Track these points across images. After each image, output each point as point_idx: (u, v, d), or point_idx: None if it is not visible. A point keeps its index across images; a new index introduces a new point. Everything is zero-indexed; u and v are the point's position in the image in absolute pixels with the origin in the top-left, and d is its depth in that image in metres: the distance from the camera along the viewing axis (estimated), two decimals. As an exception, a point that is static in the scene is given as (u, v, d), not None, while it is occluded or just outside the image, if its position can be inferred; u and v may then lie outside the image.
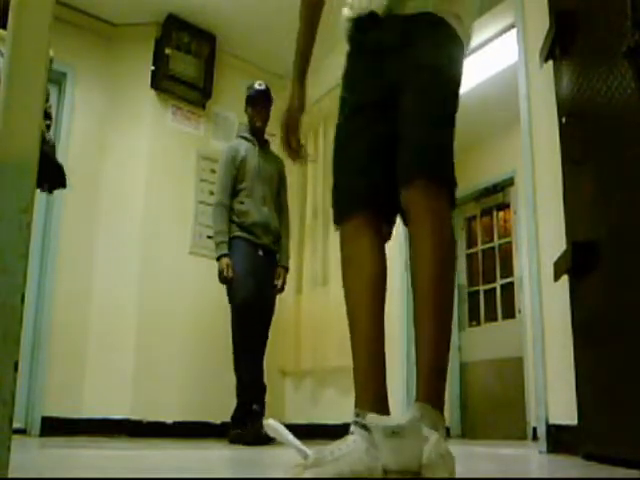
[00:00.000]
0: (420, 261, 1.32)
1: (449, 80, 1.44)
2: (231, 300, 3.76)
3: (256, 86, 4.10)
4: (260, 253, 3.85)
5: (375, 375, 1.35)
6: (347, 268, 1.44)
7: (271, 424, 1.14)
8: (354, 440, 1.18)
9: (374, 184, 1.43)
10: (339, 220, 1.48)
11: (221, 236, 3.78)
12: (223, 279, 3.74)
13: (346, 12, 1.59)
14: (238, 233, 3.82)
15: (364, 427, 1.20)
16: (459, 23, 1.48)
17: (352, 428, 1.23)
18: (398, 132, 1.40)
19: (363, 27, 1.54)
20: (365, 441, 1.18)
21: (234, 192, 3.88)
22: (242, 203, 3.86)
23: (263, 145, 4.10)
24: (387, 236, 1.50)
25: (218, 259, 3.76)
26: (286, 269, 4.02)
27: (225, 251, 3.75)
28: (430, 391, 1.22)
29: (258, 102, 4.05)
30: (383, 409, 1.30)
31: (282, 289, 4.00)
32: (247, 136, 4.09)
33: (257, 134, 4.08)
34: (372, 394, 1.32)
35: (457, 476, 1.15)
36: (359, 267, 1.42)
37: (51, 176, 2.36)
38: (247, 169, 3.93)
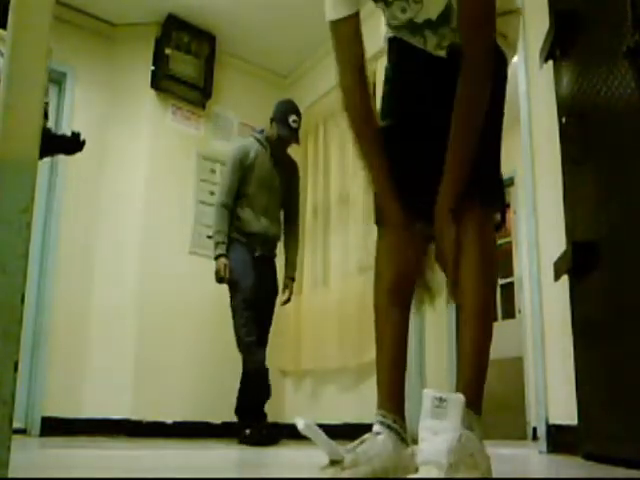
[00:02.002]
0: (467, 284, 1.31)
1: (498, 102, 1.42)
2: (232, 300, 3.77)
3: (291, 122, 3.87)
4: (257, 254, 3.84)
5: (398, 379, 1.40)
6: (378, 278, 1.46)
7: (306, 423, 1.16)
8: (383, 440, 1.26)
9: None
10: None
11: (220, 236, 3.77)
12: (219, 279, 3.75)
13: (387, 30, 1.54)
14: (237, 237, 3.82)
15: (389, 427, 1.29)
16: (503, 41, 1.44)
17: (378, 428, 1.30)
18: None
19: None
20: (392, 441, 1.26)
21: (237, 194, 3.84)
22: (242, 210, 3.83)
23: (277, 152, 3.96)
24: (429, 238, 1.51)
25: (216, 258, 3.75)
26: (293, 279, 4.02)
27: (223, 251, 3.75)
28: (471, 395, 1.22)
29: (286, 140, 3.92)
30: (402, 412, 1.36)
31: (289, 300, 4.02)
32: (260, 138, 3.95)
33: (272, 141, 3.95)
34: (395, 397, 1.38)
35: (457, 476, 1.15)
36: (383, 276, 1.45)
37: (60, 146, 2.39)
38: (254, 175, 3.85)
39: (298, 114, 3.95)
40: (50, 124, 2.53)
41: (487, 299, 1.32)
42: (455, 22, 1.37)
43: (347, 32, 1.41)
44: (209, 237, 4.73)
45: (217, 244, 3.77)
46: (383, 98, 1.56)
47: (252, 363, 3.65)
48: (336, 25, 1.40)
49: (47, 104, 2.64)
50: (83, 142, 2.46)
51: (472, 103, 1.31)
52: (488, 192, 1.36)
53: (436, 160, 1.34)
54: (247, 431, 3.54)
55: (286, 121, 3.87)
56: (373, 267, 1.48)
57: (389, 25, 1.50)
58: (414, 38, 1.46)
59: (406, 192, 1.42)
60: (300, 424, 1.15)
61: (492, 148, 1.40)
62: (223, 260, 3.73)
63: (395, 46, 1.54)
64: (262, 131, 4.00)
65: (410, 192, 1.41)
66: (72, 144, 2.43)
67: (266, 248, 3.90)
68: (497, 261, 1.41)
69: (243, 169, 3.84)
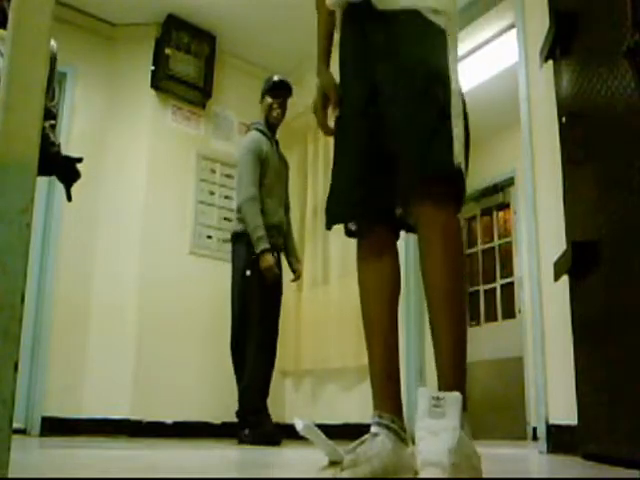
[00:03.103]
0: (432, 277, 1.33)
1: (431, 76, 1.36)
2: (253, 300, 3.67)
3: (275, 78, 3.97)
4: (275, 254, 3.78)
5: (393, 379, 1.41)
6: (364, 290, 1.51)
7: (306, 424, 1.16)
8: (382, 440, 1.26)
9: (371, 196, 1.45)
10: (330, 226, 1.52)
11: (260, 230, 3.61)
12: (271, 276, 3.60)
13: None
14: None
15: (388, 427, 1.30)
16: (437, 15, 1.42)
17: (375, 429, 1.30)
18: (391, 146, 1.39)
19: (353, 17, 1.52)
20: (391, 441, 1.27)
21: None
22: (264, 201, 3.76)
23: (276, 142, 4.02)
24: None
25: (261, 253, 3.58)
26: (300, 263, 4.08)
27: (268, 246, 3.59)
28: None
29: (279, 90, 3.93)
30: (399, 412, 1.37)
31: (298, 277, 4.10)
32: (265, 131, 3.94)
33: (273, 130, 3.97)
34: (391, 397, 1.39)
35: (456, 476, 1.15)
36: (375, 288, 1.48)
37: (66, 173, 2.37)
38: (270, 166, 3.85)
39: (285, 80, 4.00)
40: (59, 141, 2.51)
41: (455, 291, 1.33)
42: None
43: None
44: (209, 237, 4.74)
45: (259, 239, 3.60)
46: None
47: (269, 363, 3.66)
48: None
49: (55, 105, 2.61)
50: (78, 174, 2.41)
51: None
52: (441, 190, 1.34)
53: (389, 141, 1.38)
54: (246, 431, 3.54)
55: (271, 79, 3.96)
56: None
57: None
58: None
59: (374, 185, 1.44)
60: (299, 425, 1.15)
61: (443, 134, 1.33)
62: (271, 257, 3.59)
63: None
64: (259, 122, 4.00)
65: (376, 183, 1.43)
66: (70, 170, 2.38)
67: (281, 240, 3.88)
68: (464, 254, 1.42)
69: (261, 160, 3.81)
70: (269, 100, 3.93)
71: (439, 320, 1.31)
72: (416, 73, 1.35)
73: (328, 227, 1.51)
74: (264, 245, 3.58)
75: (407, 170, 1.35)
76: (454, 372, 1.28)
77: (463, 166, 1.35)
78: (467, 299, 1.46)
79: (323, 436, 1.18)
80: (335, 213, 1.49)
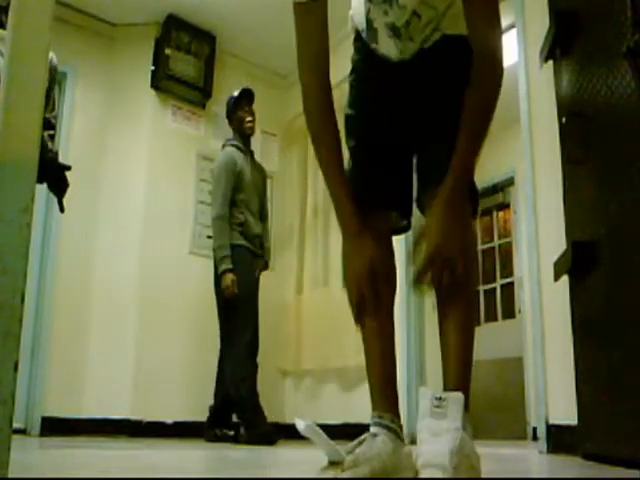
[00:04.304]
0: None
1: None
2: (239, 310, 3.76)
3: (234, 93, 4.06)
4: (257, 254, 3.92)
5: (389, 377, 1.40)
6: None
7: (307, 424, 1.16)
8: (382, 441, 1.25)
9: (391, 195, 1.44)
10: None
11: (224, 250, 3.76)
12: (229, 294, 3.72)
13: (354, 21, 1.50)
14: (241, 242, 3.83)
15: (388, 428, 1.29)
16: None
17: (375, 429, 1.29)
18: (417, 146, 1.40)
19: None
20: (392, 441, 1.26)
21: (232, 202, 3.87)
22: (242, 214, 3.88)
23: (251, 153, 4.11)
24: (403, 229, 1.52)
25: (222, 274, 3.73)
26: (267, 264, 4.12)
27: (230, 266, 3.73)
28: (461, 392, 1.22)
29: (245, 99, 4.01)
30: (398, 412, 1.36)
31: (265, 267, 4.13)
32: (239, 145, 4.02)
33: (246, 142, 4.05)
34: (389, 396, 1.37)
35: (456, 476, 1.15)
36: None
37: (58, 182, 2.37)
38: (245, 181, 3.93)
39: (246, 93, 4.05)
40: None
41: (469, 294, 1.33)
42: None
43: (313, 20, 1.31)
44: (209, 237, 4.74)
45: (222, 259, 3.75)
46: (350, 89, 1.54)
47: (251, 377, 3.69)
48: (301, 9, 1.30)
49: (55, 116, 2.60)
50: (67, 182, 2.40)
51: (487, 105, 1.29)
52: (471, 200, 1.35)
53: (407, 144, 1.38)
54: (241, 430, 3.57)
55: (231, 96, 4.04)
56: None
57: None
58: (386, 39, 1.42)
59: (378, 181, 1.43)
60: (300, 425, 1.15)
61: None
62: (231, 276, 3.71)
63: (360, 45, 1.51)
64: (233, 138, 4.07)
65: (382, 181, 1.43)
66: (61, 179, 2.37)
67: (261, 250, 3.98)
68: (476, 266, 1.42)
69: (234, 177, 3.89)
70: (240, 114, 4.01)
71: (448, 322, 1.30)
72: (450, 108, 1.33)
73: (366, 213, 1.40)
74: (226, 266, 3.73)
75: (436, 171, 1.32)
76: (460, 373, 1.28)
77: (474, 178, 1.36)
78: (476, 302, 1.44)
79: (324, 436, 1.18)
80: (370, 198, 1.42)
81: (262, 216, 4.09)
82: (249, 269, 3.83)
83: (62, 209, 2.38)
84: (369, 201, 1.41)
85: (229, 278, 3.71)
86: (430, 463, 1.07)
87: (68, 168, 2.37)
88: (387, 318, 1.43)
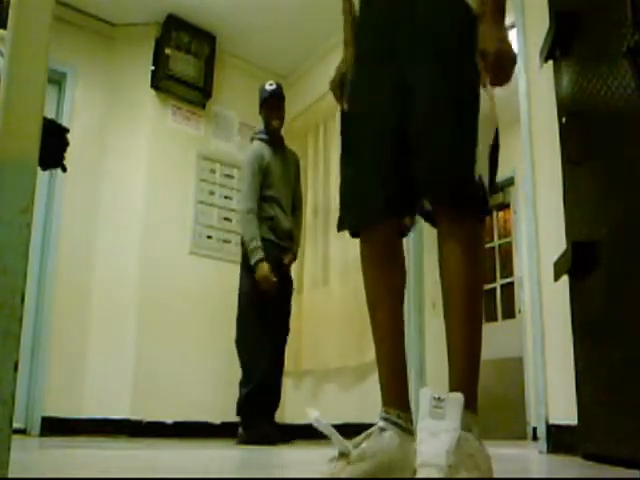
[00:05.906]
0: (450, 292, 1.32)
1: (465, 69, 1.32)
2: (260, 303, 3.70)
3: (267, 87, 4.00)
4: (284, 247, 3.86)
5: (398, 373, 1.41)
6: (371, 283, 1.48)
7: (319, 418, 1.16)
8: (390, 436, 1.27)
9: (393, 195, 1.38)
10: (354, 230, 1.49)
11: (255, 241, 3.70)
12: (267, 285, 3.65)
13: None
14: (270, 237, 3.79)
15: (395, 424, 1.30)
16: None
17: (383, 424, 1.31)
18: (411, 127, 1.33)
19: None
20: (399, 437, 1.28)
21: (262, 198, 3.83)
22: (272, 209, 3.84)
23: (281, 145, 4.05)
24: (407, 230, 1.52)
25: (255, 264, 3.65)
26: (295, 256, 4.05)
27: (262, 256, 3.67)
28: (467, 394, 1.20)
29: (271, 103, 3.97)
30: (407, 407, 1.37)
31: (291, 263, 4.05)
32: (266, 138, 3.98)
33: (274, 135, 4.00)
34: (397, 391, 1.39)
35: (453, 476, 1.15)
36: (383, 283, 1.45)
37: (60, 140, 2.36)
38: (273, 176, 3.89)
39: (277, 86, 4.02)
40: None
41: (475, 295, 1.32)
42: None
43: None
44: (209, 237, 4.74)
45: (254, 250, 3.68)
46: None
47: (263, 370, 3.68)
48: None
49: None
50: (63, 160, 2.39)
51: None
52: (472, 203, 1.29)
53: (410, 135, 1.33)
54: (240, 430, 3.57)
55: (263, 90, 3.98)
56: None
57: None
58: None
59: (373, 190, 1.40)
60: (314, 415, 1.16)
61: (468, 141, 1.28)
62: (266, 266, 3.65)
63: None
64: (261, 131, 4.02)
65: (377, 188, 1.39)
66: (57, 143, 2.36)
67: (290, 244, 3.93)
68: (483, 266, 1.41)
69: (262, 172, 3.85)
70: (264, 113, 3.99)
71: (454, 327, 1.30)
72: (453, 81, 1.31)
73: (351, 231, 1.48)
74: (258, 256, 3.66)
75: (431, 170, 1.30)
76: (465, 375, 1.28)
77: (486, 178, 1.28)
78: (483, 304, 1.43)
79: (333, 429, 1.19)
80: (360, 216, 1.43)
81: (294, 207, 4.04)
82: (274, 266, 3.74)
83: (64, 168, 2.36)
84: (368, 213, 1.42)
85: (265, 267, 3.64)
86: (427, 463, 1.08)
87: (67, 130, 2.38)
88: (397, 315, 1.45)
